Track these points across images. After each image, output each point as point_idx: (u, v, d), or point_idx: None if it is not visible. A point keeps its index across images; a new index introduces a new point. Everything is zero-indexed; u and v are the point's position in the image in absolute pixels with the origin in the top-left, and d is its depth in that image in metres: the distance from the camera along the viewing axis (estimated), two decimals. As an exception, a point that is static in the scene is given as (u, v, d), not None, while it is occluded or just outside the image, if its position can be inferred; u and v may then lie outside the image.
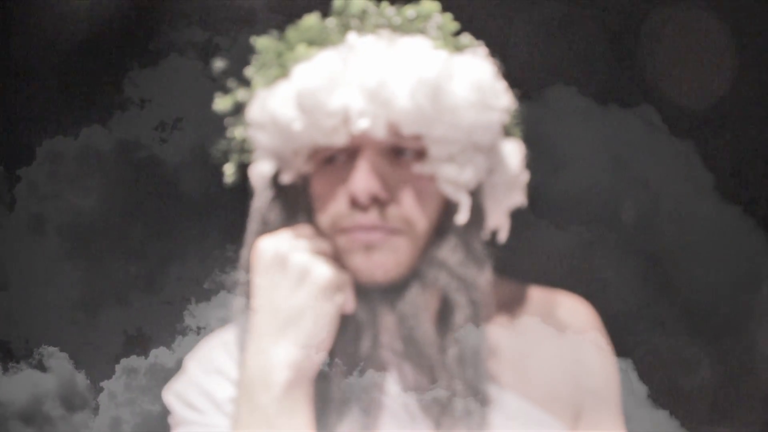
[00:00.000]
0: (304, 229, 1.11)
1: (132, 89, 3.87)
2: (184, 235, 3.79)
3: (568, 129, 3.30)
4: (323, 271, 1.06)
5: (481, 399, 1.12)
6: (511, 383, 1.19)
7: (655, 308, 3.11)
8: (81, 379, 3.64)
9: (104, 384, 3.63)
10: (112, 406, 3.57)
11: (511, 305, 1.24)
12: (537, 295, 1.29)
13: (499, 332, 1.21)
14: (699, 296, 2.84)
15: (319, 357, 1.06)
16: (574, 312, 1.27)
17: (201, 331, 3.61)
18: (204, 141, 3.97)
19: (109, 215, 3.67)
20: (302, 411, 1.06)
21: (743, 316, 2.72)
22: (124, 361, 3.59)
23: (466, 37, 1.09)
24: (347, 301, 1.09)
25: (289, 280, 1.07)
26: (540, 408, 1.19)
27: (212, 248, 3.69)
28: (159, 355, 3.57)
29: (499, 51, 1.14)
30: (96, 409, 3.62)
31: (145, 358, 3.57)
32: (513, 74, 1.13)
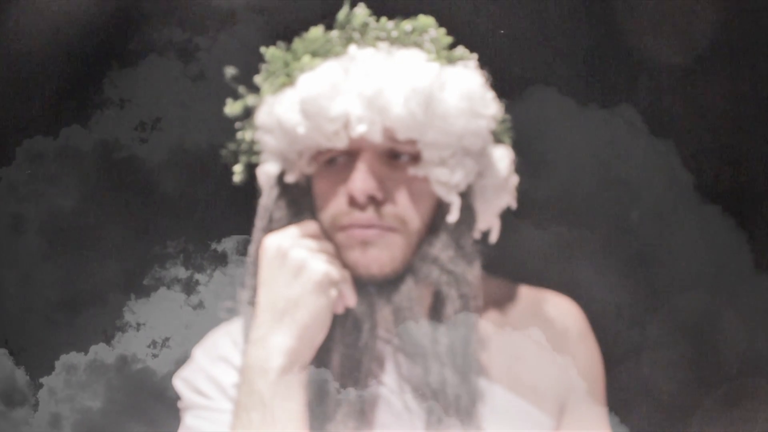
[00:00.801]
0: (309, 226, 1.21)
1: (111, 89, 3.93)
2: (162, 234, 3.87)
3: (548, 129, 3.34)
4: (318, 266, 1.15)
5: (471, 388, 1.23)
6: (500, 377, 1.29)
7: (635, 308, 3.15)
8: (20, 376, 3.69)
9: (44, 380, 3.70)
10: (51, 402, 3.64)
11: (501, 303, 1.35)
12: (526, 293, 1.39)
13: (489, 328, 1.31)
14: (679, 295, 2.88)
15: (313, 346, 1.16)
16: (562, 311, 1.38)
17: (141, 327, 3.70)
18: (183, 141, 4.05)
19: (89, 214, 3.73)
20: (295, 396, 1.15)
21: (722, 314, 2.78)
22: (63, 358, 3.66)
23: (459, 50, 1.20)
24: (348, 295, 1.18)
25: (286, 274, 1.16)
26: (527, 402, 1.29)
27: (153, 244, 3.77)
28: (99, 351, 3.66)
29: (478, 50, 1.24)
30: (35, 406, 3.68)
31: (85, 354, 3.64)
32: (493, 74, 1.24)
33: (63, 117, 3.75)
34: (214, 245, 3.89)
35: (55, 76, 3.58)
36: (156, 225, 3.80)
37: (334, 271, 1.17)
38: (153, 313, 3.82)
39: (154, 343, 3.75)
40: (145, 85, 3.89)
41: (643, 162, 2.82)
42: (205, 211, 3.76)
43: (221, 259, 3.90)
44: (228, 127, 3.96)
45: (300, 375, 1.16)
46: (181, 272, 3.90)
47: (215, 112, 4.26)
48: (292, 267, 1.17)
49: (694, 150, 2.69)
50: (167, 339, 3.76)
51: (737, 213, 2.81)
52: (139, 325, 3.74)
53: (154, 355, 3.72)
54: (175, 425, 1.30)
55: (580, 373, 1.36)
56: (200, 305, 3.86)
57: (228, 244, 3.88)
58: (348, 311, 1.21)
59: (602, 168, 2.93)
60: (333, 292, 1.16)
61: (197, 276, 3.90)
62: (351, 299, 1.19)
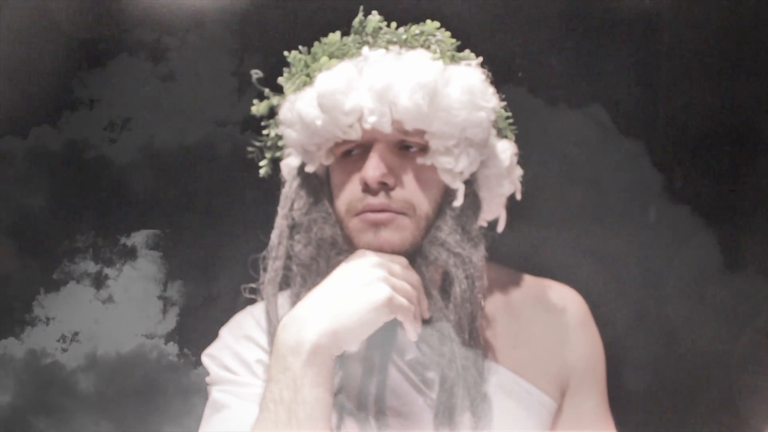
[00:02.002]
0: (402, 259, 1.32)
1: (81, 89, 4.03)
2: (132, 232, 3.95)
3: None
4: (386, 289, 1.24)
5: (478, 363, 1.38)
6: (504, 359, 1.45)
7: (604, 308, 3.23)
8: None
9: (-46, 374, 3.77)
10: (-39, 396, 3.67)
11: (507, 289, 1.51)
12: (531, 281, 1.56)
13: (495, 312, 1.48)
14: (648, 296, 2.98)
15: (343, 347, 1.24)
16: (565, 298, 1.55)
17: (50, 322, 3.77)
18: (153, 140, 4.15)
19: (58, 214, 3.80)
20: (325, 381, 1.22)
21: (691, 314, 2.80)
22: (-27, 352, 3.74)
23: (463, 51, 1.37)
24: (409, 330, 1.29)
25: (357, 280, 1.25)
26: (530, 382, 1.46)
27: (62, 239, 3.83)
28: (8, 345, 3.68)
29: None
30: (-55, 399, 3.72)
31: (-6, 349, 3.73)
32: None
33: (33, 117, 3.83)
34: (123, 240, 3.91)
35: (25, 76, 3.67)
36: (126, 223, 3.88)
37: (401, 301, 1.26)
38: (62, 307, 3.82)
39: (63, 338, 3.74)
40: (115, 85, 3.99)
41: (613, 162, 2.86)
42: (116, 206, 3.82)
43: (131, 254, 3.91)
44: (196, 127, 4.06)
45: (329, 367, 1.22)
46: (91, 266, 3.91)
47: (184, 111, 4.36)
48: (366, 277, 1.25)
49: (663, 150, 2.75)
50: (76, 333, 3.75)
51: (706, 213, 2.85)
52: (48, 319, 3.77)
53: (64, 350, 3.72)
54: (85, 419, 1.35)
55: (582, 357, 1.52)
56: (109, 299, 3.87)
57: (137, 238, 3.90)
58: None
59: (572, 168, 2.96)
60: (386, 318, 1.25)
61: (106, 270, 3.92)
62: (412, 334, 1.30)
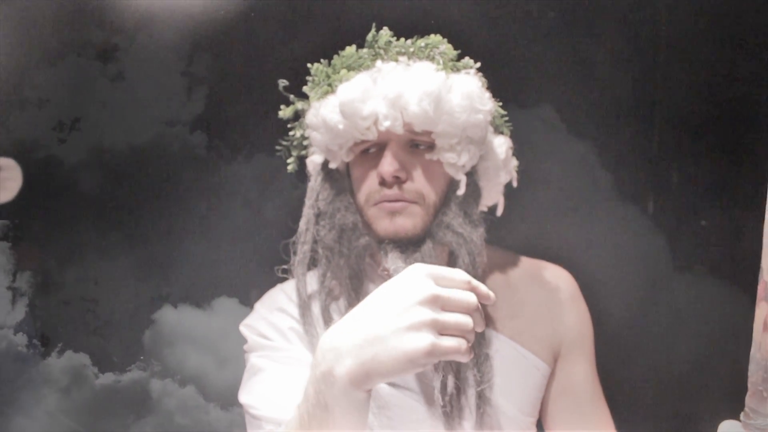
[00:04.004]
0: (460, 276, 1.20)
1: (30, 90, 4.15)
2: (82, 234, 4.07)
3: None
4: (426, 341, 1.13)
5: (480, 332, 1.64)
6: (503, 328, 1.77)
7: None
8: None
9: None
10: None
11: (505, 268, 1.82)
12: (526, 261, 1.88)
13: (495, 288, 1.74)
14: (598, 296, 2.87)
15: (377, 381, 1.17)
16: (557, 276, 1.86)
17: None
18: (102, 141, 4.29)
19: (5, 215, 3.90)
20: (355, 410, 1.19)
21: (642, 313, 2.90)
22: None
23: (463, 60, 1.66)
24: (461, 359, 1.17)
25: (401, 319, 1.14)
26: (526, 348, 1.78)
27: None
28: None
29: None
30: None
31: None
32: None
33: (-20, 118, 3.94)
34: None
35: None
36: (75, 224, 4.00)
37: (447, 346, 1.14)
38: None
39: None
40: (64, 85, 4.10)
41: (562, 162, 2.89)
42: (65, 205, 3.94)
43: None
44: (146, 127, 4.24)
45: (363, 395, 1.18)
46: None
47: (134, 112, 4.54)
48: (410, 318, 1.14)
49: (612, 150, 2.86)
50: None
51: (656, 213, 2.90)
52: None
53: None
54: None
55: (572, 327, 1.85)
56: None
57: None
58: (385, 269, 1.63)
59: (521, 167, 2.90)
60: (428, 364, 1.16)
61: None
62: (462, 359, 1.18)
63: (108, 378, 2.93)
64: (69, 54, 4.21)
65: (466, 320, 1.16)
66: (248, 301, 2.76)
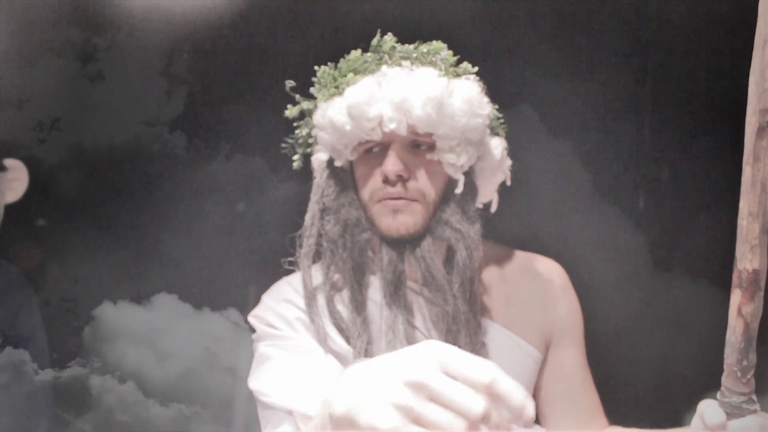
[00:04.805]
0: (487, 373, 0.96)
1: (9, 90, 4.20)
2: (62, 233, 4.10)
3: None
4: (389, 423, 0.94)
5: (476, 318, 1.75)
6: (498, 317, 1.86)
7: None
8: None
9: None
10: None
11: (500, 261, 1.93)
12: (520, 255, 1.98)
13: (490, 279, 1.88)
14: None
15: None
16: (549, 268, 1.97)
17: None
18: (82, 141, 4.33)
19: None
20: None
21: (622, 316, 2.86)
22: None
23: (463, 66, 1.77)
24: None
25: (384, 391, 0.97)
26: (519, 336, 1.87)
27: None
28: None
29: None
30: None
31: None
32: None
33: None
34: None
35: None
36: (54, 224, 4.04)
37: None
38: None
39: None
40: (44, 85, 4.15)
41: (542, 162, 2.92)
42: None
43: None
44: (125, 127, 4.30)
45: None
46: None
47: (114, 112, 4.60)
48: (389, 394, 0.97)
49: (592, 150, 2.88)
50: None
51: (635, 214, 2.90)
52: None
53: None
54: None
55: (563, 317, 1.94)
56: None
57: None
58: (384, 261, 1.72)
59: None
60: None
61: None
62: None
63: (48, 374, 2.89)
64: (48, 54, 4.27)
65: (450, 421, 0.93)
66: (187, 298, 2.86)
